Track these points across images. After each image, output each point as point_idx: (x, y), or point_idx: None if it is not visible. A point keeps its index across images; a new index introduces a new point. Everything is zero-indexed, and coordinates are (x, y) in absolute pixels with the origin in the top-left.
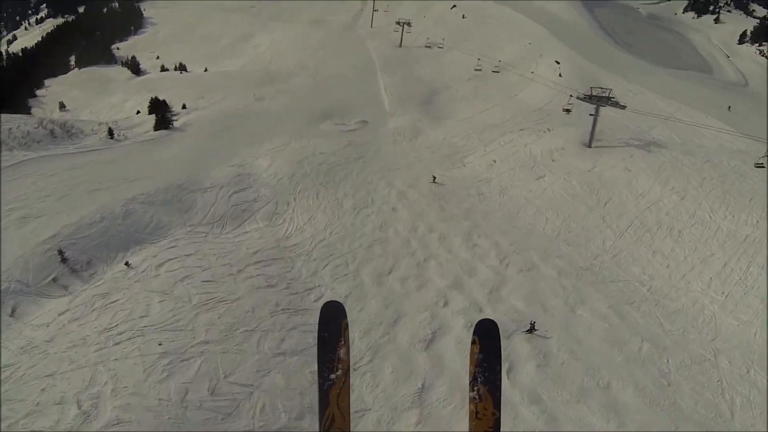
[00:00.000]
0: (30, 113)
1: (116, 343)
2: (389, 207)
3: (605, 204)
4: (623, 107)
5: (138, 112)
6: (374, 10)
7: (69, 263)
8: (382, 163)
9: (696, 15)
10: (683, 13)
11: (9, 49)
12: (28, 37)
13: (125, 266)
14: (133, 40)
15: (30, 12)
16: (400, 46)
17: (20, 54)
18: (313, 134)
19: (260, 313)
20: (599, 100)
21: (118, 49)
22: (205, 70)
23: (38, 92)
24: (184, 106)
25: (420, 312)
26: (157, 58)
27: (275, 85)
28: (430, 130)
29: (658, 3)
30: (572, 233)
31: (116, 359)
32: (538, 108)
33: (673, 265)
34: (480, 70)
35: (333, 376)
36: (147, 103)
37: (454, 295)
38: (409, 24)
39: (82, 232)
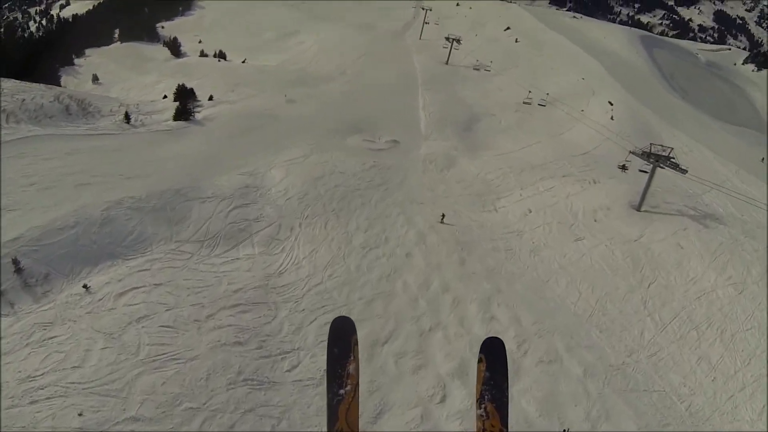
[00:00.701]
0: (60, 83)
1: (32, 402)
2: (404, 251)
3: (649, 285)
4: (684, 171)
5: (165, 96)
6: (425, 23)
7: (23, 275)
8: (405, 194)
9: (756, 68)
10: (743, 64)
11: (61, 13)
12: (80, 4)
13: (83, 288)
14: (179, 20)
15: None
16: (447, 63)
17: (70, 20)
18: (337, 148)
19: (215, 382)
20: (658, 159)
21: (162, 27)
22: (244, 61)
23: (76, 61)
24: (211, 98)
25: (410, 407)
26: (200, 42)
27: (310, 88)
28: (464, 161)
29: (717, 51)
30: (607, 317)
31: (22, 427)
32: (585, 152)
33: (720, 380)
34: (529, 103)
35: (342, 391)
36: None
37: (455, 388)
38: (458, 41)
39: (49, 238)
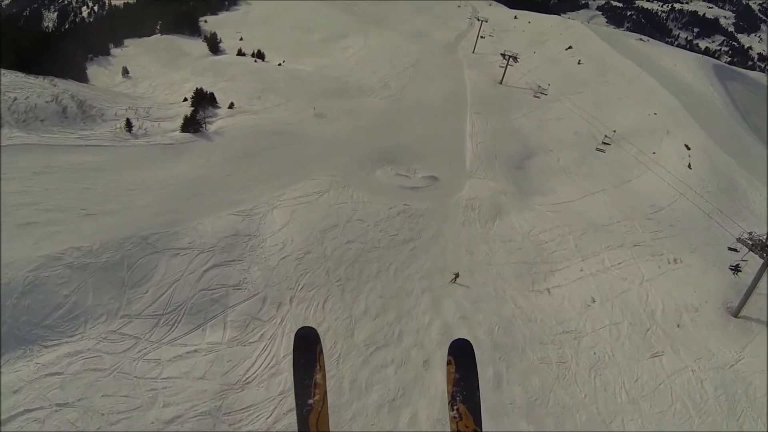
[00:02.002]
0: (87, 75)
1: None
2: (421, 356)
3: None
4: None
5: (185, 99)
6: (480, 36)
7: None
8: (436, 260)
9: None
10: None
11: (113, 1)
12: None
13: None
14: (223, 15)
15: None
16: (501, 83)
17: (121, 7)
18: (362, 183)
19: None
20: None
21: (205, 22)
22: (280, 63)
23: (113, 51)
24: (231, 105)
25: None
26: (241, 39)
27: (345, 101)
28: (514, 212)
29: None
30: None
31: None
32: (658, 208)
33: None
34: (603, 150)
35: (311, 401)
36: (205, 87)
37: None
38: (515, 59)
39: None
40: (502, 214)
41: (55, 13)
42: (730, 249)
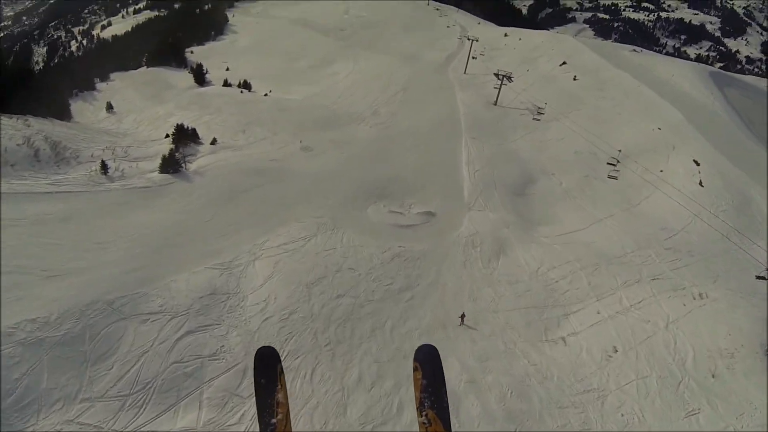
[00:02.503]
0: (71, 111)
1: None
2: None
3: None
4: None
5: (167, 135)
6: (472, 57)
7: None
8: (436, 311)
9: None
10: None
11: (101, 33)
12: (121, 24)
13: None
14: (209, 45)
15: (131, 1)
16: (496, 104)
17: (109, 40)
18: (352, 223)
19: None
20: None
21: (191, 52)
22: (267, 93)
23: (98, 85)
24: (214, 141)
25: None
26: (227, 69)
27: (333, 131)
28: (518, 247)
29: None
30: None
31: None
32: (672, 233)
33: None
34: (616, 177)
35: (274, 420)
36: (189, 120)
37: None
38: (509, 78)
39: None
40: (506, 250)
41: (45, 48)
42: (758, 278)
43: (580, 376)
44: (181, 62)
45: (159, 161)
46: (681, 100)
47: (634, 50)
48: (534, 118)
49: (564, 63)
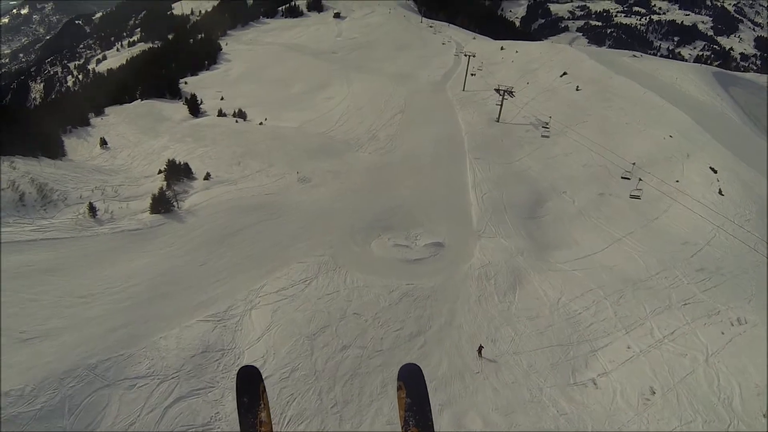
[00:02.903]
0: (64, 148)
1: None
2: None
3: None
4: None
5: (160, 171)
6: (471, 74)
7: None
8: (452, 358)
9: None
10: None
11: (97, 67)
12: (116, 58)
13: None
14: (203, 75)
15: (125, 34)
16: (498, 120)
17: (104, 74)
18: (355, 261)
19: None
20: None
21: (185, 83)
22: (262, 122)
23: (93, 121)
24: (207, 176)
25: None
26: (222, 98)
27: (331, 159)
28: (535, 276)
29: None
30: None
31: None
32: (696, 248)
33: None
34: (638, 197)
35: None
36: (184, 154)
37: None
38: (511, 93)
39: None
40: (523, 281)
41: (42, 84)
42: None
43: (617, 424)
44: (175, 93)
45: (150, 201)
46: (689, 104)
47: (634, 56)
48: (543, 135)
49: (564, 73)
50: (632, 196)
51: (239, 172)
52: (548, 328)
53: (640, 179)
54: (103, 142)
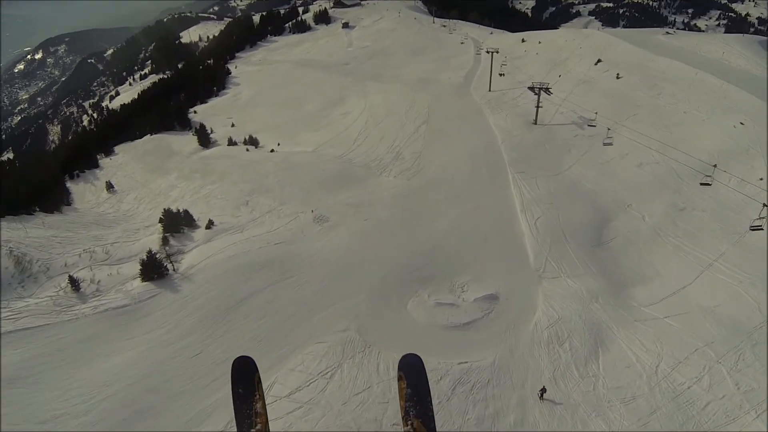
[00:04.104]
0: (70, 197)
1: None
2: None
3: None
4: None
5: (160, 220)
6: (499, 74)
7: None
8: None
9: None
10: None
11: (110, 104)
12: (129, 92)
13: None
14: (213, 102)
15: (136, 68)
16: (536, 123)
17: (117, 110)
18: (389, 334)
19: None
20: None
21: (195, 112)
22: (273, 149)
23: (102, 161)
24: (209, 225)
25: None
26: (232, 125)
27: (350, 190)
28: (621, 334)
29: None
30: None
31: None
32: None
33: None
34: (761, 227)
35: (253, 431)
36: (190, 194)
37: None
38: (548, 90)
39: None
40: (605, 341)
41: (59, 126)
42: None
43: None
44: (185, 124)
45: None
46: (749, 82)
47: (668, 32)
48: (605, 143)
49: (599, 61)
50: (753, 228)
51: (247, 214)
52: (651, 415)
53: (707, 176)
54: (110, 186)
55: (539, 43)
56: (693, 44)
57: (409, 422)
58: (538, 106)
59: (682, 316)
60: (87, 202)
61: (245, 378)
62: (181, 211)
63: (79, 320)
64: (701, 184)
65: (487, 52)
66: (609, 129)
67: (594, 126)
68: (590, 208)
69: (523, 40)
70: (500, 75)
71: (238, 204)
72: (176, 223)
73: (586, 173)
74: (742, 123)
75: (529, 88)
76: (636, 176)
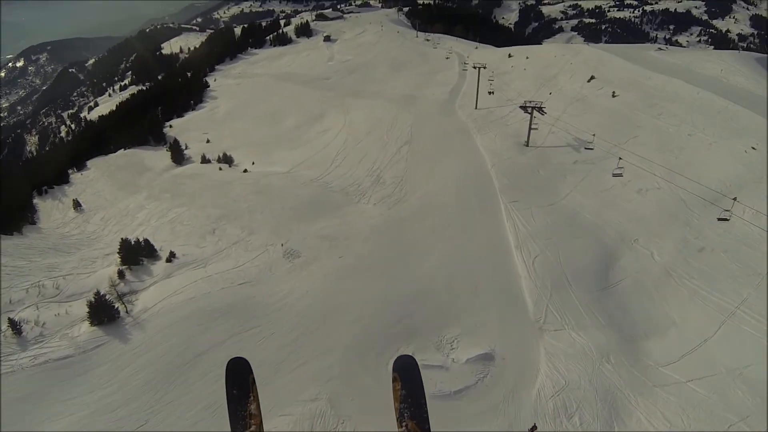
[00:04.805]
0: (35, 216)
1: None
2: None
3: None
4: None
5: (119, 251)
6: (489, 92)
7: None
8: None
9: None
10: None
11: (89, 115)
12: (107, 104)
13: None
14: (190, 116)
15: (116, 78)
16: (528, 144)
17: (95, 121)
18: (368, 403)
19: None
20: None
21: (170, 126)
22: (246, 169)
23: (72, 177)
24: (170, 257)
25: None
26: (207, 141)
27: (325, 219)
28: (638, 403)
29: None
30: None
31: None
32: None
33: None
34: (727, 219)
35: None
36: (157, 217)
37: None
38: (542, 110)
39: None
40: (621, 415)
41: (36, 136)
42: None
43: None
44: (159, 139)
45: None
46: (755, 102)
47: (660, 48)
48: (614, 174)
49: (593, 78)
50: (721, 219)
51: (212, 244)
52: None
53: (726, 210)
54: (77, 204)
55: (527, 58)
56: (688, 61)
57: (404, 423)
58: (530, 128)
59: (707, 379)
60: (53, 221)
61: (239, 379)
62: (141, 240)
63: (16, 374)
64: (719, 219)
65: (474, 67)
66: (620, 159)
67: (591, 149)
68: (593, 244)
69: (510, 55)
70: (489, 93)
71: (204, 232)
72: (136, 254)
73: (585, 202)
74: (754, 148)
75: (521, 107)
76: (640, 206)
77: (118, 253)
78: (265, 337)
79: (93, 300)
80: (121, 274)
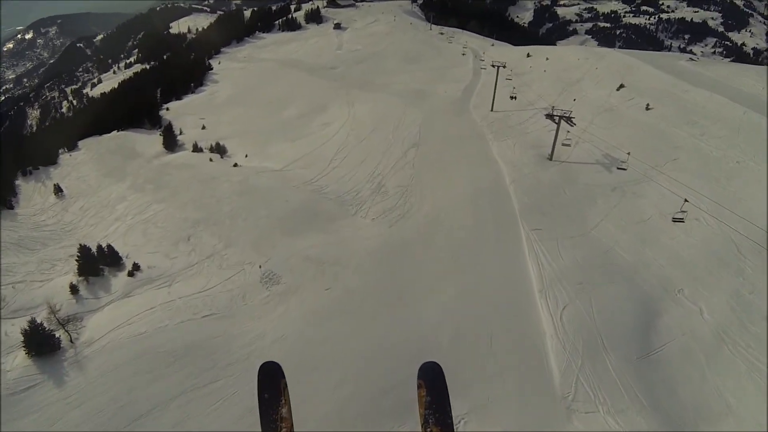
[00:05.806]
0: (13, 201)
1: None
2: None
3: None
4: None
5: (77, 258)
6: (511, 97)
7: None
8: None
9: None
10: None
11: (91, 92)
12: (110, 81)
13: None
14: (188, 99)
15: (123, 56)
16: (551, 158)
17: (97, 98)
18: None
19: None
20: None
21: (167, 109)
22: (237, 163)
23: (61, 157)
24: (133, 271)
25: None
26: (203, 128)
27: (314, 235)
28: None
29: None
30: None
31: None
32: None
33: None
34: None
35: None
36: (133, 213)
37: None
38: (571, 121)
39: None
40: None
41: (38, 110)
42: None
43: None
44: (155, 122)
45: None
46: None
47: (691, 59)
48: (675, 219)
49: (622, 86)
50: None
51: (185, 255)
52: None
53: None
54: (58, 190)
55: (546, 59)
56: (724, 74)
57: (429, 430)
58: (556, 140)
59: None
60: (32, 206)
61: (272, 383)
62: (105, 246)
63: None
64: None
65: (493, 65)
66: (686, 200)
67: (624, 169)
68: (631, 293)
69: (528, 55)
70: (512, 98)
71: (177, 239)
72: (97, 262)
73: (619, 236)
74: None
75: (546, 115)
76: (683, 246)
77: (77, 260)
78: (224, 399)
79: (27, 328)
80: (74, 289)
